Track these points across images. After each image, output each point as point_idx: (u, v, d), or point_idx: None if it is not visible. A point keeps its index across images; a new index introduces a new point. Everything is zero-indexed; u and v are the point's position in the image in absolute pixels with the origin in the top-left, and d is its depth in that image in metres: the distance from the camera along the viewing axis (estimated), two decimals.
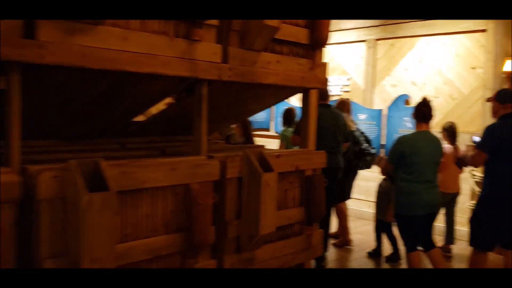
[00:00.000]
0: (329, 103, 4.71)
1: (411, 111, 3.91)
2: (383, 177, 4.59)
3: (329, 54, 6.99)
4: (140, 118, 3.10)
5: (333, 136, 4.40)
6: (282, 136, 5.60)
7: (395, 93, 6.25)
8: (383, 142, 6.26)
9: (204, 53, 2.35)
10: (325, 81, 3.14)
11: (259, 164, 2.54)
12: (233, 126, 4.66)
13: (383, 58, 6.44)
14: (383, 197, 4.66)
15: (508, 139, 3.55)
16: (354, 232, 5.53)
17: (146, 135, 3.12)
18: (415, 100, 5.31)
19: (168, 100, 3.02)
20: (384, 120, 6.30)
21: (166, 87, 2.52)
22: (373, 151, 5.19)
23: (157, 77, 2.27)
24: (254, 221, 2.50)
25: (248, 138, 3.78)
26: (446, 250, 5.04)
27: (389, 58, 6.37)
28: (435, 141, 3.82)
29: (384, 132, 6.30)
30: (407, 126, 5.88)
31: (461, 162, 4.72)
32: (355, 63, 6.76)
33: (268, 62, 2.70)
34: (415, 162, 3.66)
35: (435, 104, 5.85)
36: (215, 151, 2.75)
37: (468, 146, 4.12)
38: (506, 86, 4.92)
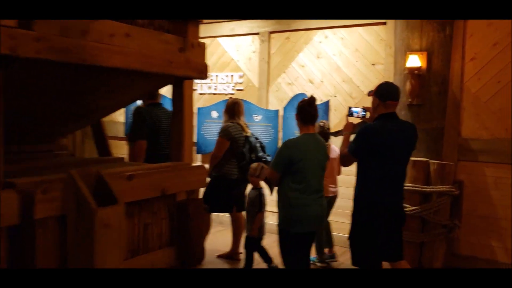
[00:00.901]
0: (159, 101, 4.17)
1: (294, 112, 3.41)
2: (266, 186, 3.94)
3: (220, 47, 6.23)
4: None
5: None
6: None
7: (291, 92, 5.66)
8: (280, 145, 5.63)
9: None
10: (203, 67, 2.29)
11: (94, 192, 1.61)
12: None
13: (278, 53, 5.82)
14: (251, 209, 4.01)
15: (383, 144, 3.05)
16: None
17: None
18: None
19: None
20: (281, 122, 5.68)
21: None
22: (269, 158, 4.54)
23: None
24: None
25: (103, 148, 2.81)
26: (330, 256, 4.56)
27: (285, 53, 5.78)
28: (321, 144, 3.42)
29: (281, 134, 5.68)
30: None
31: (336, 133, 4.25)
32: (248, 58, 6.07)
33: (110, 35, 1.77)
34: (304, 169, 3.18)
35: (334, 103, 5.38)
36: (32, 172, 1.78)
37: (347, 119, 3.51)
38: (408, 83, 4.49)
